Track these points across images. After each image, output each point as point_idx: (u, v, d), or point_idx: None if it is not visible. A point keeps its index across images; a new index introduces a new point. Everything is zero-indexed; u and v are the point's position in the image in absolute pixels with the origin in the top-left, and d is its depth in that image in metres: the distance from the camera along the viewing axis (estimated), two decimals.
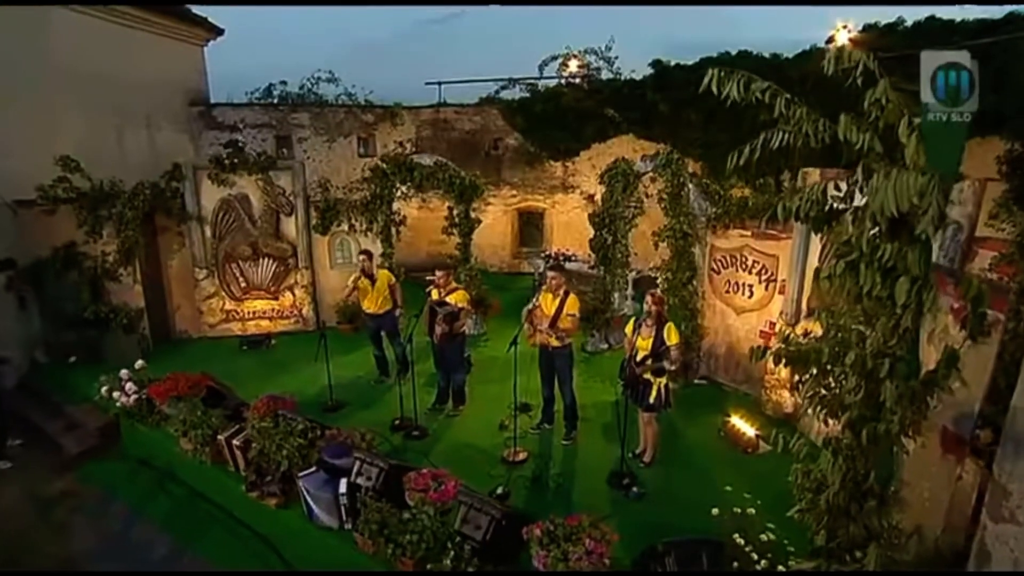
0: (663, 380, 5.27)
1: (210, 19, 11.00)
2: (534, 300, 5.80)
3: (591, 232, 8.34)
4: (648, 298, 5.29)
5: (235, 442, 5.34)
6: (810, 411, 3.11)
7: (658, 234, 7.33)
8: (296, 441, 5.03)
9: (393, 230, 9.10)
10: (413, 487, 4.35)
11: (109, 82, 9.38)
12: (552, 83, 13.44)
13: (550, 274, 5.74)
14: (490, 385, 7.17)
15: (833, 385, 2.98)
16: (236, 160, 8.68)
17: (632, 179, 7.95)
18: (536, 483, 5.24)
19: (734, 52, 11.13)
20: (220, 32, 11.37)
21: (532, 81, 13.47)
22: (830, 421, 3.04)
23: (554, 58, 13.71)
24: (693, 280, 7.36)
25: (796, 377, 3.03)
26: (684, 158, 7.29)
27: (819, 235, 3.15)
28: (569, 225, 12.96)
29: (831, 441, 3.06)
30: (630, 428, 5.36)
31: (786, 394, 6.45)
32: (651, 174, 7.68)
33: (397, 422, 6.41)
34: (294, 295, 9.36)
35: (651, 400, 5.27)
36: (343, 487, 4.51)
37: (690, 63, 11.82)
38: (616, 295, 8.58)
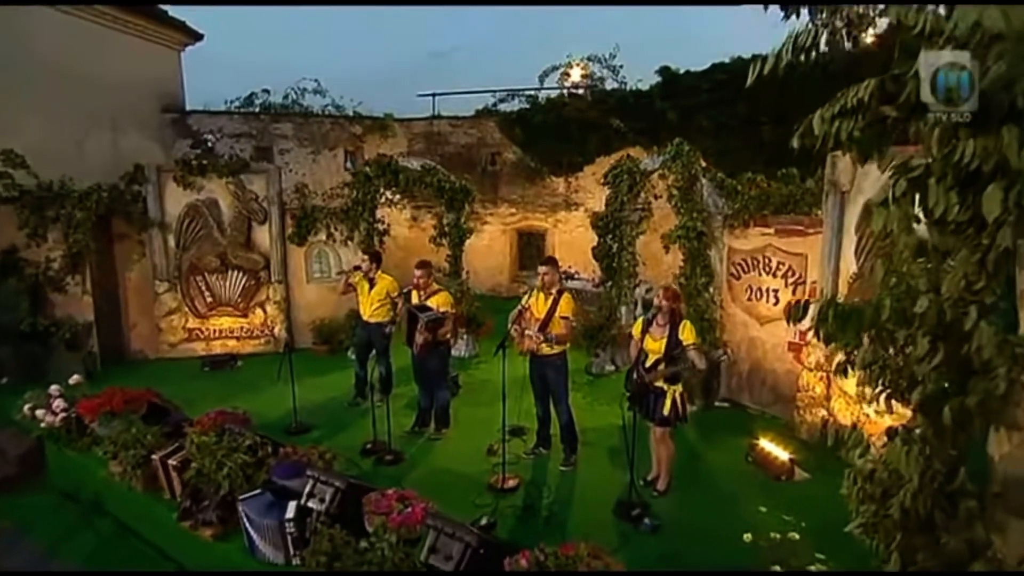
0: (678, 388, 4.82)
1: (188, 23, 10.86)
2: (523, 301, 5.38)
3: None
4: (659, 293, 4.85)
5: (171, 462, 4.73)
6: (866, 392, 2.52)
7: (669, 235, 6.92)
8: (240, 458, 4.43)
9: (376, 240, 8.78)
10: (373, 510, 3.77)
11: (72, 80, 9.21)
12: (554, 94, 13.42)
13: (542, 269, 5.31)
14: (480, 408, 6.75)
15: (893, 356, 2.40)
16: (205, 162, 8.49)
17: (639, 177, 7.63)
18: (528, 513, 4.70)
19: (747, 56, 10.92)
20: (199, 37, 11.27)
21: (532, 92, 13.50)
22: (894, 407, 2.45)
23: (555, 68, 13.77)
24: (710, 287, 6.94)
25: (837, 359, 2.46)
26: (696, 150, 6.88)
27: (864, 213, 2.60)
28: (572, 245, 12.59)
29: (897, 431, 2.46)
30: (640, 450, 4.88)
31: (822, 413, 5.86)
32: (660, 171, 7.31)
33: (369, 446, 5.89)
34: (265, 312, 8.99)
35: (664, 412, 4.78)
36: (291, 511, 3.96)
37: (700, 69, 11.66)
38: (623, 309, 8.09)
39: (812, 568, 3.27)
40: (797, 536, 3.56)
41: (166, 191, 8.48)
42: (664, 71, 12.04)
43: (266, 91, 12.39)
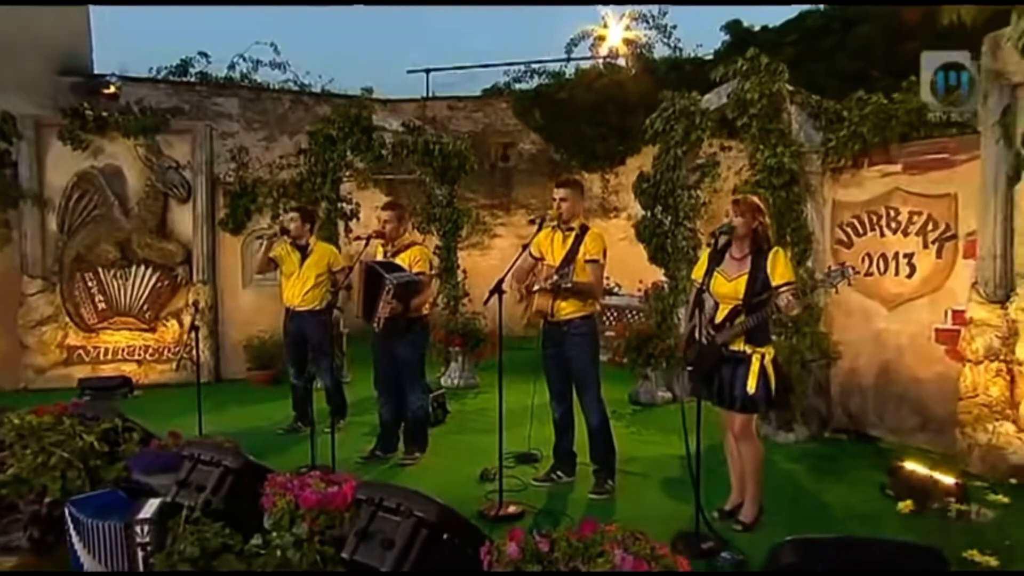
0: (768, 351, 4.29)
1: None
2: (531, 247, 5.14)
3: (641, 265, 8.20)
4: (731, 207, 4.38)
5: None
6: None
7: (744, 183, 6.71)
8: (80, 443, 3.85)
9: (341, 225, 8.62)
10: (275, 491, 3.19)
11: None
12: (585, 66, 13.50)
13: (559, 193, 5.06)
14: (472, 435, 6.61)
15: None
16: (106, 114, 8.41)
17: (699, 120, 7.37)
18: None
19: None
20: None
21: (556, 64, 13.60)
22: None
23: (586, 35, 13.94)
24: (806, 260, 6.48)
25: None
26: (782, 65, 6.52)
27: None
28: (612, 261, 12.12)
29: None
30: (712, 471, 4.51)
31: (1006, 428, 5.16)
32: (731, 108, 6.94)
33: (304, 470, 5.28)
34: (182, 325, 8.72)
35: (749, 388, 4.21)
36: (149, 510, 3.56)
37: (782, 21, 11.51)
38: (681, 312, 7.60)
39: None
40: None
41: (47, 153, 8.42)
42: (733, 27, 11.90)
43: (204, 55, 12.49)
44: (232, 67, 12.77)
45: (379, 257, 5.68)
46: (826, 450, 6.14)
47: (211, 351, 8.66)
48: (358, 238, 6.03)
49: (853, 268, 4.10)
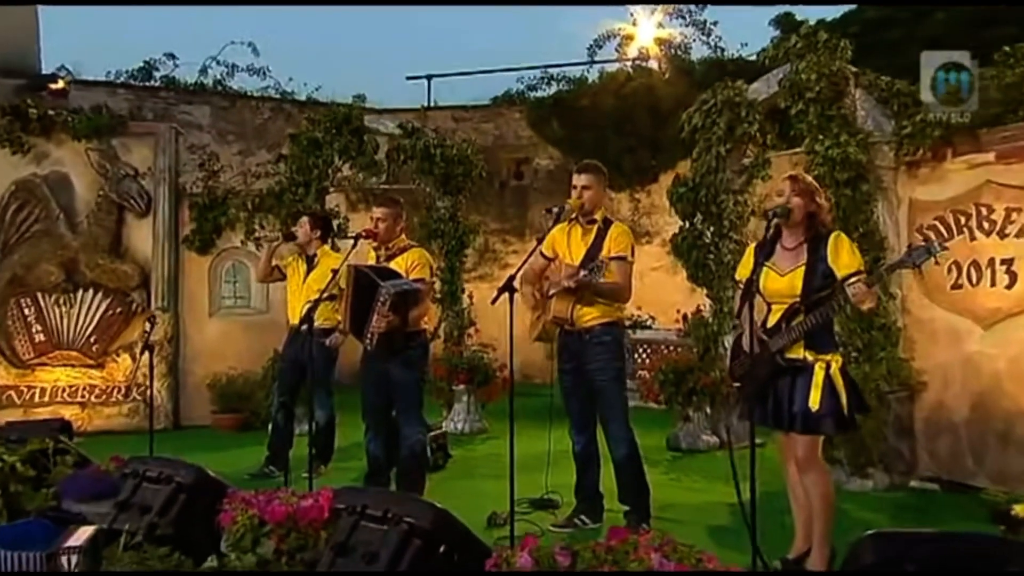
0: (835, 359, 4.19)
1: None
2: (543, 245, 5.24)
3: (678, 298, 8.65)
4: (787, 185, 4.34)
5: None
6: None
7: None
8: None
9: (328, 243, 8.60)
10: (234, 505, 3.17)
11: None
12: (612, 68, 13.82)
13: (580, 180, 5.10)
14: (478, 481, 6.75)
15: None
16: (52, 113, 8.47)
17: (745, 112, 7.39)
18: None
19: None
20: None
21: (578, 68, 13.88)
22: None
23: (612, 36, 14.12)
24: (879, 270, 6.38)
25: None
26: (844, 42, 6.63)
27: None
28: (645, 291, 12.10)
29: None
30: (769, 517, 4.39)
31: None
32: (783, 97, 7.00)
33: None
34: (136, 361, 8.71)
35: (812, 404, 4.10)
36: (79, 538, 3.51)
37: (841, 12, 11.72)
38: (728, 340, 7.61)
39: None
40: None
41: None
42: (784, 21, 12.08)
43: (171, 57, 12.62)
44: (203, 71, 12.88)
45: (371, 262, 5.72)
46: (911, 500, 6.07)
47: (169, 391, 8.65)
48: (345, 237, 6.08)
49: (941, 243, 4.01)
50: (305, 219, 6.73)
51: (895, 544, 2.38)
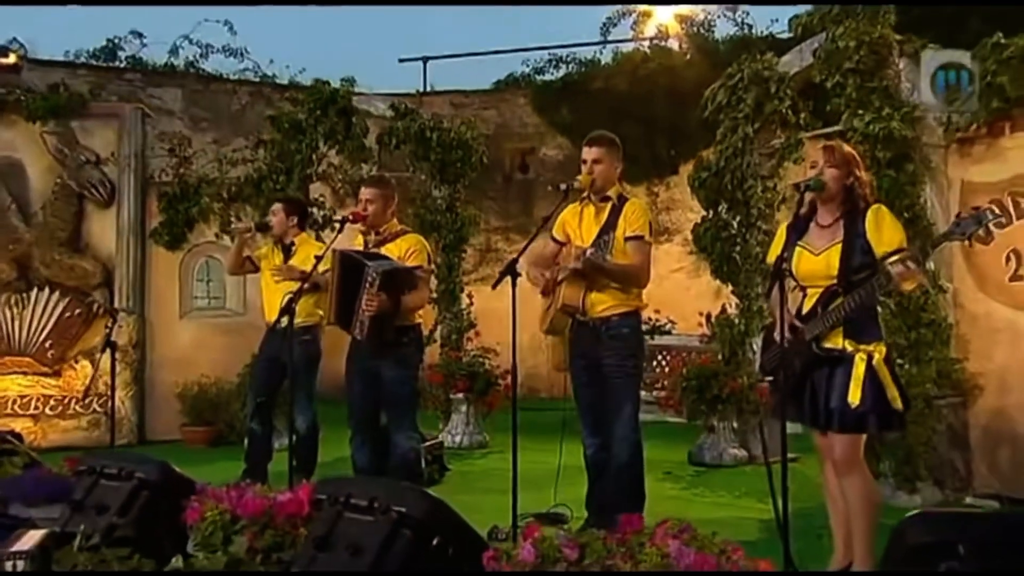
0: (878, 348, 4.15)
1: None
2: (552, 228, 5.41)
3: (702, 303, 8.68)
4: (822, 155, 4.35)
5: None
6: None
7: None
8: None
9: (310, 235, 8.66)
10: (201, 502, 3.18)
11: None
12: (627, 49, 13.80)
13: (590, 154, 5.14)
14: (477, 495, 6.68)
15: None
16: (3, 91, 8.55)
17: (775, 88, 7.41)
18: None
19: None
20: None
21: (590, 49, 13.79)
22: None
23: (626, 14, 14.02)
24: (926, 262, 6.36)
25: None
26: (887, 7, 6.65)
27: None
28: (665, 294, 12.13)
29: None
30: (804, 533, 4.63)
31: None
32: (818, 69, 6.98)
33: None
34: (96, 368, 8.72)
35: (850, 400, 4.08)
36: (28, 542, 3.52)
37: None
38: (757, 342, 7.58)
39: None
40: None
41: None
42: None
43: (139, 36, 12.50)
44: (174, 51, 12.76)
45: (359, 244, 5.76)
46: None
47: (134, 402, 8.66)
48: (328, 218, 6.10)
49: (992, 211, 3.96)
50: (279, 206, 6.72)
51: (946, 523, 2.36)
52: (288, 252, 6.59)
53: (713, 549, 2.46)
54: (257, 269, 6.74)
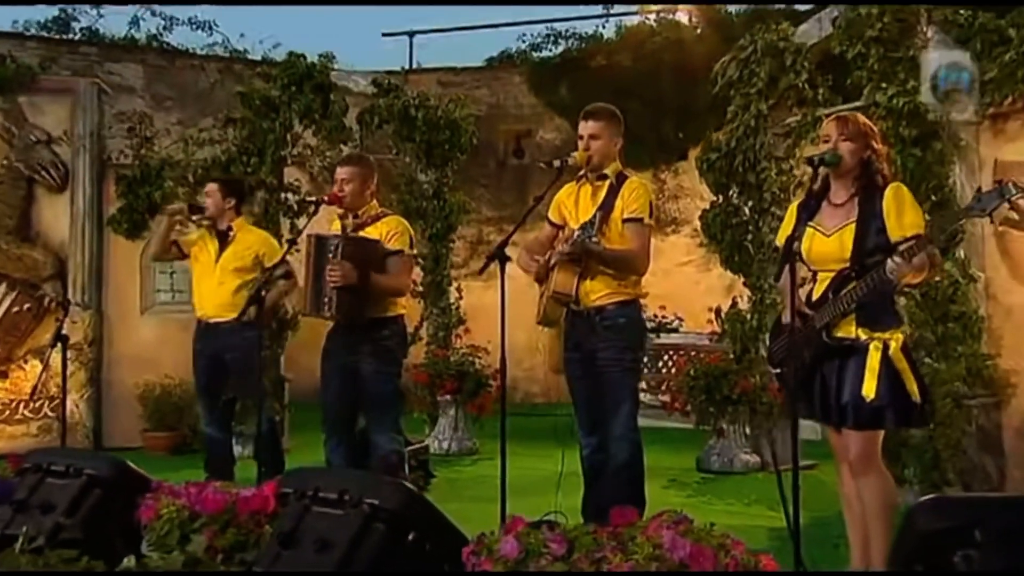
0: (895, 335, 4.17)
1: None
2: (550, 211, 5.39)
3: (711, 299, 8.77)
4: (834, 127, 4.36)
5: None
6: None
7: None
8: None
9: (284, 223, 8.69)
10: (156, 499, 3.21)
11: None
12: (632, 22, 13.84)
13: (587, 128, 5.14)
14: (466, 503, 6.67)
15: None
16: None
17: (791, 60, 7.47)
18: None
19: None
20: None
21: (591, 22, 13.89)
22: None
23: None
24: (957, 248, 6.46)
25: None
26: None
27: None
28: (672, 289, 12.24)
29: None
30: (819, 542, 4.67)
31: None
32: (839, 40, 7.04)
33: None
34: (46, 367, 8.51)
35: (864, 392, 4.10)
36: None
37: None
38: (768, 338, 7.62)
39: None
40: None
41: None
42: None
43: (95, 4, 12.52)
44: (135, 23, 12.87)
45: (335, 228, 5.78)
46: None
47: (89, 405, 8.69)
48: (303, 201, 6.07)
49: (1016, 184, 3.98)
50: (214, 186, 6.65)
51: (962, 507, 2.36)
52: (224, 238, 6.54)
53: (711, 542, 2.49)
54: (185, 256, 6.67)
